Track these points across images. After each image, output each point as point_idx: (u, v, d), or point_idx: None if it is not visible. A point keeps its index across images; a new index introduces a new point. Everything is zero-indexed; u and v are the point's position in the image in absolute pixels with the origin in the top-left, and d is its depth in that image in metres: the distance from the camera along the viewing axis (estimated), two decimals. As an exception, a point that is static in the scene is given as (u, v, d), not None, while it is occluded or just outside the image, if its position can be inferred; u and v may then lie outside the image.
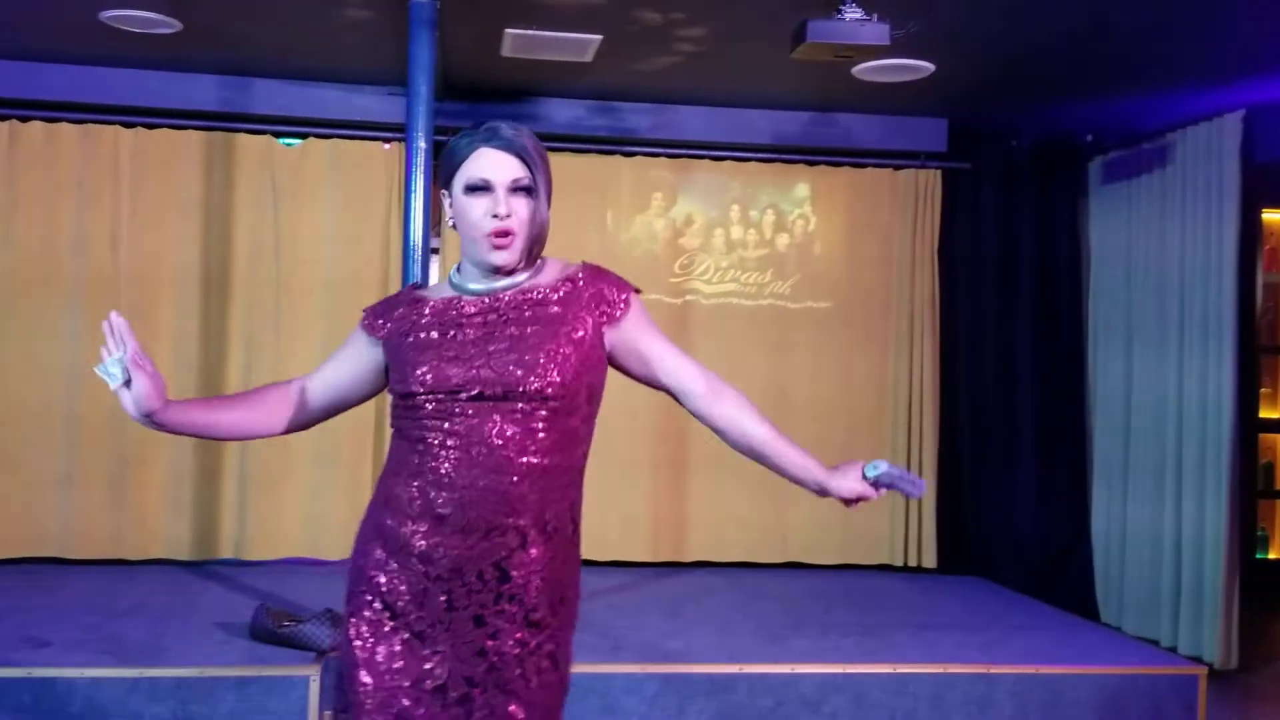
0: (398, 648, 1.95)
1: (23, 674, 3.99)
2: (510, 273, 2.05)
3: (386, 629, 1.96)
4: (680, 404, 2.20)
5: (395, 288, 6.01)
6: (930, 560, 6.44)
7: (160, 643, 4.43)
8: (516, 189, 2.01)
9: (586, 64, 5.46)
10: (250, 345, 6.05)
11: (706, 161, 6.46)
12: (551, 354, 1.97)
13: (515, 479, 1.95)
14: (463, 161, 2.01)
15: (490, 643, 1.93)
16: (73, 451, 5.88)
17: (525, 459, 1.96)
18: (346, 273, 6.11)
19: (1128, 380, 5.97)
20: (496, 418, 1.95)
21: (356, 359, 2.14)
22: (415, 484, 1.97)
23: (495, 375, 1.94)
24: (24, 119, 5.91)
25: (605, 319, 2.06)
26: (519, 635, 1.95)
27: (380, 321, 2.11)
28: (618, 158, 6.40)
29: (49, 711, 3.96)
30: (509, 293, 2.04)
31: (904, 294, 6.54)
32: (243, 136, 6.10)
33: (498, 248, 1.99)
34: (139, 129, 6.03)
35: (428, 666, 1.94)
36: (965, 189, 6.61)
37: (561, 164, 6.32)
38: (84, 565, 5.86)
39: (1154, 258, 5.80)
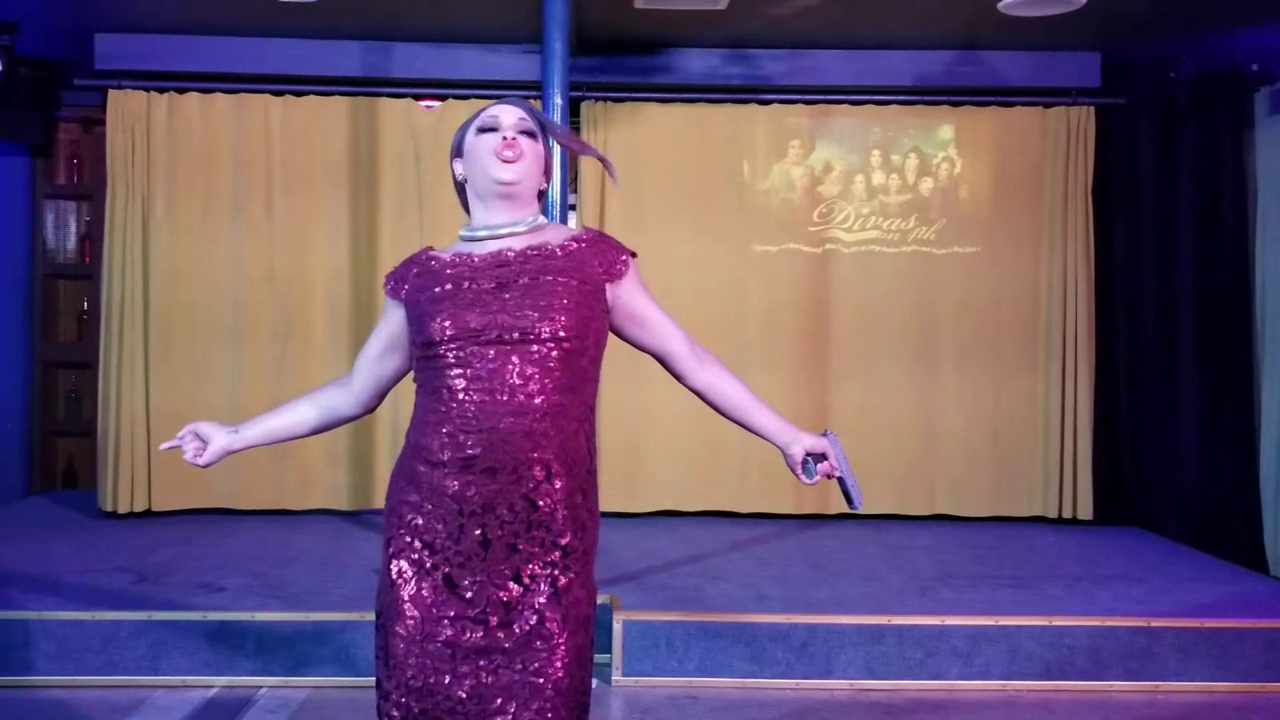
0: (439, 582, 2.09)
1: (199, 617, 4.23)
2: (514, 219, 2.21)
3: (427, 565, 2.10)
4: (665, 366, 2.38)
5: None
6: (1086, 511, 6.24)
7: (324, 588, 4.63)
8: (521, 131, 2.20)
9: (720, 11, 5.39)
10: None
11: (845, 106, 6.32)
12: (562, 299, 2.11)
13: (537, 417, 2.09)
14: (472, 122, 2.24)
15: (524, 567, 2.08)
16: (236, 407, 6.16)
17: (543, 398, 2.09)
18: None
19: (1300, 321, 5.64)
20: (515, 360, 2.08)
21: (389, 328, 2.28)
22: (444, 430, 2.10)
23: (512, 320, 2.08)
24: (181, 90, 6.16)
25: (608, 276, 2.21)
26: (549, 558, 2.09)
27: (400, 285, 2.25)
28: (753, 106, 6.32)
29: (224, 653, 4.19)
30: (518, 244, 2.19)
31: (1056, 237, 6.30)
32: (385, 100, 6.24)
33: (506, 161, 2.16)
34: (288, 97, 6.23)
35: (468, 596, 2.08)
36: (1120, 125, 6.31)
37: (696, 115, 6.29)
38: (249, 515, 6.17)
39: (1330, 190, 5.44)
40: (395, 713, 2.09)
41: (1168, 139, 6.15)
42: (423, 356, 2.15)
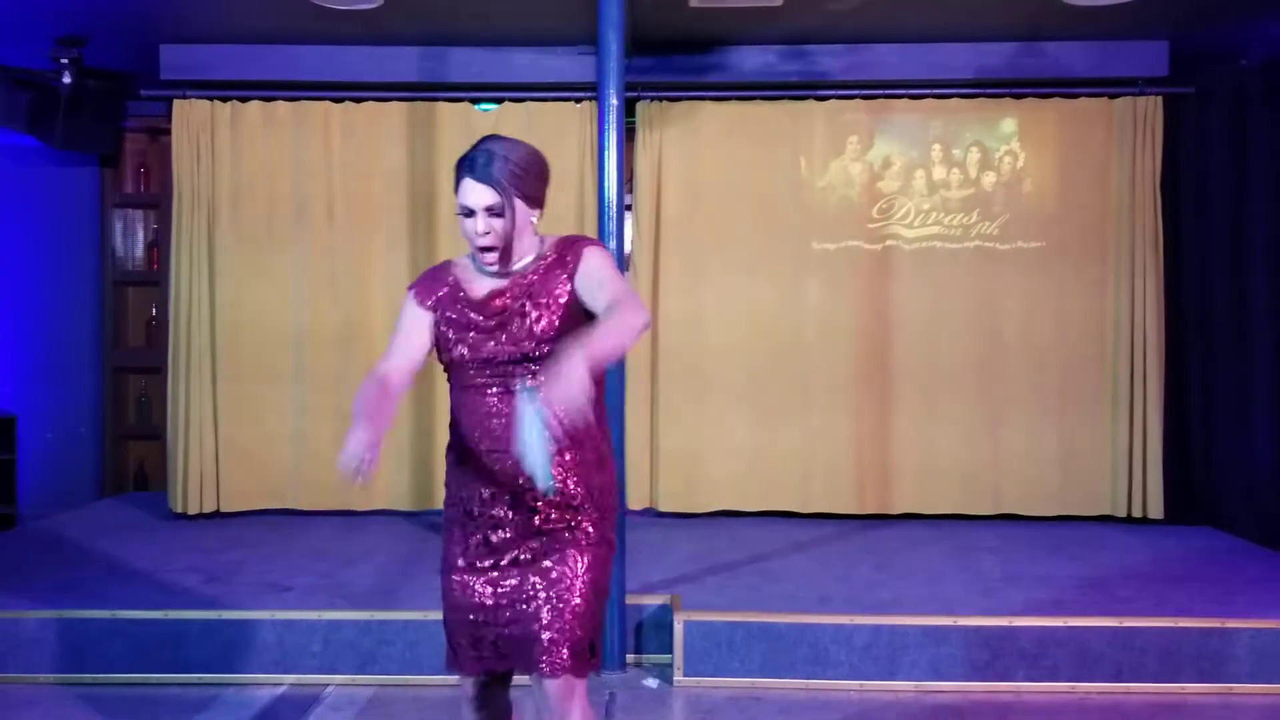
0: (478, 538, 2.58)
1: (267, 616, 4.29)
2: (507, 269, 2.57)
3: (469, 528, 2.59)
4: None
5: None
6: (1156, 510, 6.11)
7: (388, 587, 4.68)
8: (491, 211, 2.50)
9: (776, 8, 5.35)
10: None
11: (904, 100, 6.25)
12: (548, 327, 2.51)
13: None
14: (456, 189, 2.53)
15: (541, 522, 2.54)
16: (301, 410, 6.25)
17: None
18: (543, 232, 6.20)
19: (1380, 314, 5.46)
20: (520, 370, 2.52)
21: (422, 327, 2.62)
22: (475, 426, 2.55)
23: (515, 349, 2.51)
24: (243, 99, 6.27)
25: (569, 275, 2.55)
26: (565, 516, 2.54)
27: (428, 298, 2.62)
28: (810, 102, 6.27)
29: (292, 651, 4.25)
30: (513, 279, 2.56)
31: (1123, 231, 6.17)
32: (442, 105, 6.29)
33: (485, 259, 2.55)
34: (347, 104, 6.31)
35: (502, 545, 2.56)
36: (1189, 115, 6.17)
37: (752, 112, 6.26)
38: (314, 516, 6.25)
39: None
40: (451, 628, 2.60)
41: (1238, 128, 5.99)
42: (449, 365, 2.60)
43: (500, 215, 2.50)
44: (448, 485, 2.67)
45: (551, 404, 2.15)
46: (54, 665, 4.24)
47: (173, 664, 4.24)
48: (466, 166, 2.51)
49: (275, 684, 4.20)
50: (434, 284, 2.64)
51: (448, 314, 2.57)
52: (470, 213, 2.51)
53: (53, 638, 4.25)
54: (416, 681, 4.20)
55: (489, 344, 2.52)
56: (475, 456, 2.55)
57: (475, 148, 2.53)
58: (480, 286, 2.58)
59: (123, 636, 4.25)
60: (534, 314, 2.51)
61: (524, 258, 2.57)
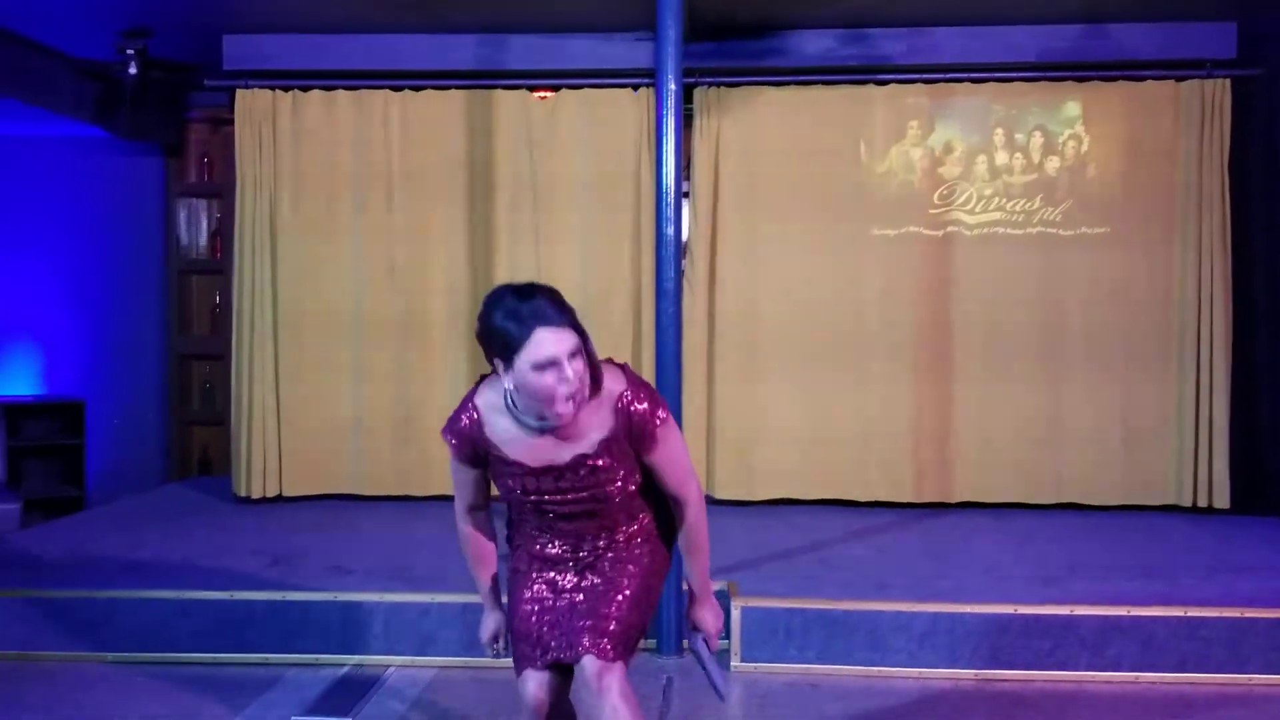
0: (544, 575, 2.64)
1: (330, 598, 4.36)
2: (564, 433, 2.46)
3: (535, 558, 2.65)
4: None
5: (647, 234, 6.10)
6: (1222, 501, 5.99)
7: (447, 571, 4.71)
8: (574, 356, 2.32)
9: (836, -9, 5.31)
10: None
11: (966, 85, 6.17)
12: (615, 489, 2.51)
13: (605, 515, 2.57)
14: (522, 344, 2.30)
15: (599, 553, 2.60)
16: (360, 397, 6.32)
17: (610, 515, 2.57)
18: (600, 219, 6.25)
19: None
20: (579, 515, 2.56)
21: (476, 472, 2.62)
22: (529, 533, 2.64)
23: (577, 507, 2.53)
24: (305, 88, 6.34)
25: (636, 448, 2.50)
26: (620, 538, 2.60)
27: (463, 452, 2.57)
28: (870, 87, 6.21)
29: (354, 633, 4.31)
30: (562, 441, 2.46)
31: (1190, 217, 6.05)
32: (500, 92, 6.32)
33: (563, 417, 2.36)
34: (406, 92, 6.35)
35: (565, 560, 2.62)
36: (1259, 98, 6.04)
37: (811, 97, 6.21)
38: (374, 501, 6.33)
39: None
40: (517, 629, 2.64)
41: (1311, 110, 5.86)
42: (499, 485, 2.60)
43: (580, 357, 2.33)
44: (510, 530, 2.73)
45: (712, 639, 2.68)
46: (121, 645, 4.33)
47: (237, 644, 4.32)
48: (532, 319, 2.29)
49: (338, 665, 4.27)
50: (465, 442, 2.55)
51: (491, 462, 2.54)
52: (553, 364, 2.29)
53: (120, 618, 4.34)
54: (476, 663, 4.23)
55: (544, 506, 2.53)
56: (534, 537, 2.63)
57: (519, 303, 2.31)
58: (516, 445, 2.48)
59: (189, 617, 4.34)
60: (599, 492, 2.49)
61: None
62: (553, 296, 2.35)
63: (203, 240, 7.34)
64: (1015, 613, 4.17)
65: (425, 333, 6.32)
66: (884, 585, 4.54)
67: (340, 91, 6.35)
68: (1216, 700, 3.94)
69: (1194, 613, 4.13)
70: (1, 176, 7.31)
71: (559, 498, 2.51)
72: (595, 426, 2.44)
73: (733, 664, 4.22)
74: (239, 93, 6.30)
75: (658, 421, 2.47)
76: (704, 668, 2.72)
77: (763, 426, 6.23)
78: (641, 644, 2.68)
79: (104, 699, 3.94)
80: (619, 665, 2.50)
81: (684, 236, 5.57)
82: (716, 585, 4.47)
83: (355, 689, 4.03)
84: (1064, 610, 4.17)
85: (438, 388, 6.25)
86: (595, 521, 2.56)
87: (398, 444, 6.33)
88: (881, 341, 6.21)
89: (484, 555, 2.75)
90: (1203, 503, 6.01)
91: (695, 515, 2.61)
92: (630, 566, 2.59)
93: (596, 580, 2.59)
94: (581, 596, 2.58)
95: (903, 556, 5.09)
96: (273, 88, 6.31)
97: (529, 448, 2.47)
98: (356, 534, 5.55)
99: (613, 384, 2.46)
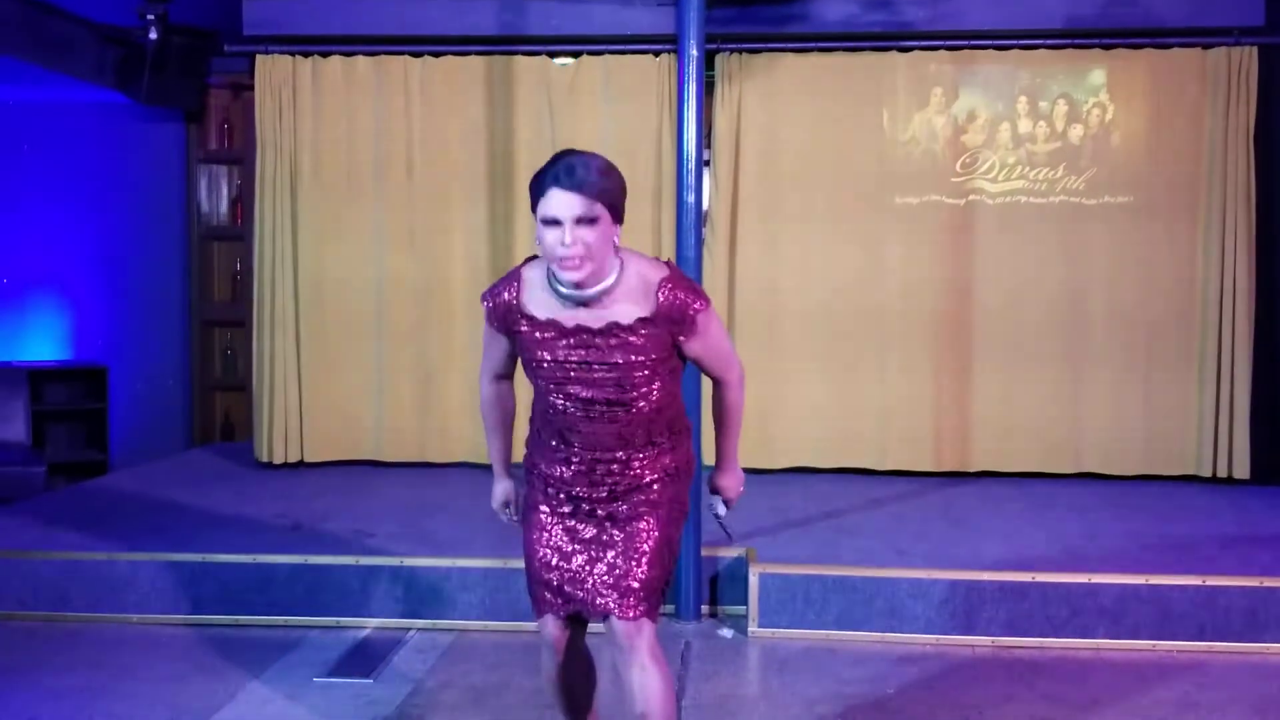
0: (560, 496, 2.70)
1: (352, 561, 4.40)
2: (588, 290, 2.48)
3: (549, 490, 2.71)
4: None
5: (669, 199, 6.08)
6: (1242, 471, 5.97)
7: (468, 536, 4.76)
8: (580, 221, 2.39)
9: (860, -44, 5.26)
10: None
11: (990, 52, 6.11)
12: (641, 379, 2.54)
13: (625, 424, 2.60)
14: (539, 199, 2.42)
15: (620, 495, 2.65)
16: (382, 363, 6.35)
17: (630, 427, 2.60)
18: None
19: None
20: (600, 406, 2.57)
21: (502, 342, 2.68)
22: (552, 433, 2.66)
23: (600, 394, 2.54)
24: (325, 54, 6.33)
25: (677, 336, 2.54)
26: (639, 495, 2.64)
27: (498, 321, 2.62)
28: (893, 53, 6.16)
29: (376, 596, 4.36)
30: (596, 322, 2.50)
31: (1215, 186, 5.99)
32: (520, 58, 6.29)
33: (566, 269, 2.42)
34: (426, 58, 6.33)
35: (581, 499, 2.67)
36: (1287, 65, 5.95)
37: (834, 64, 6.17)
38: (394, 467, 6.37)
39: None
40: (532, 573, 2.73)
41: (1340, 78, 5.78)
42: (529, 367, 2.62)
43: (590, 225, 2.40)
44: (529, 448, 2.78)
45: (731, 503, 2.91)
46: (145, 606, 4.40)
47: (260, 606, 4.37)
48: (551, 177, 2.40)
49: (359, 627, 4.32)
50: (507, 311, 2.59)
51: (521, 327, 2.57)
52: (555, 223, 2.39)
53: (144, 580, 4.40)
54: (496, 627, 4.28)
55: (569, 385, 2.54)
56: (553, 449, 2.67)
57: (555, 161, 2.43)
58: (552, 313, 2.52)
59: (212, 579, 4.39)
60: (631, 369, 2.51)
61: (603, 280, 2.47)
62: (588, 162, 2.42)
63: (224, 206, 7.37)
64: (1033, 580, 4.18)
65: (446, 299, 6.34)
66: (902, 552, 4.56)
67: (360, 57, 6.33)
68: (1233, 669, 3.94)
69: (1212, 581, 4.13)
70: (23, 141, 7.34)
71: (586, 375, 2.52)
72: (634, 305, 2.50)
73: (750, 629, 4.24)
74: (259, 58, 6.30)
75: (698, 306, 2.52)
76: (720, 525, 3.01)
77: (782, 394, 6.23)
78: (660, 609, 2.69)
79: (128, 659, 4.00)
80: (646, 623, 2.60)
81: (705, 204, 5.55)
82: (735, 551, 4.50)
83: (376, 651, 4.08)
84: (1082, 578, 4.17)
85: (458, 355, 6.27)
86: (614, 429, 2.58)
87: (419, 410, 6.36)
88: (902, 310, 6.19)
89: (502, 419, 2.87)
90: (1223, 473, 5.99)
91: (735, 396, 2.75)
92: (649, 519, 2.63)
93: (616, 534, 2.63)
94: (602, 552, 2.63)
95: (921, 524, 5.10)
96: (293, 53, 6.30)
97: (565, 318, 2.53)
98: (378, 499, 5.60)
99: (654, 273, 2.52)
